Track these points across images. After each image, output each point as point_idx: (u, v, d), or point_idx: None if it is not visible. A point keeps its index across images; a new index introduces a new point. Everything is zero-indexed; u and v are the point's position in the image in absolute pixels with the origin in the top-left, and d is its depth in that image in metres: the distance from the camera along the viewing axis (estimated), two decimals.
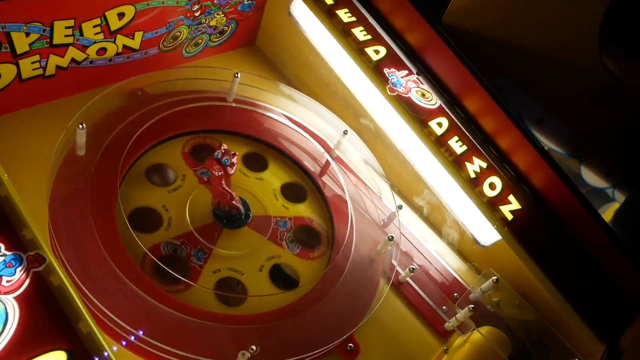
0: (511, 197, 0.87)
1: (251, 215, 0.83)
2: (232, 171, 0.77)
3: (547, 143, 1.20)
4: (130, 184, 0.80)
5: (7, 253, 0.50)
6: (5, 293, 0.48)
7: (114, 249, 0.69)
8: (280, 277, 0.80)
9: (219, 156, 0.75)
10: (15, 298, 0.48)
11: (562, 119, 1.14)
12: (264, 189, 0.89)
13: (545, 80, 1.06)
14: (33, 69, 0.76)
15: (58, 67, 0.78)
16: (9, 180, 0.56)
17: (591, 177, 1.27)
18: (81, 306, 0.50)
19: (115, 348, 0.58)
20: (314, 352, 0.70)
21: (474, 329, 0.80)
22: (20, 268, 0.49)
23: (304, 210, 0.90)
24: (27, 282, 0.49)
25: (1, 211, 0.53)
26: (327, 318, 0.74)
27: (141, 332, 0.62)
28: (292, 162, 0.94)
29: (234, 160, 0.76)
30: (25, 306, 0.48)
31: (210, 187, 0.79)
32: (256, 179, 0.90)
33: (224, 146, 0.76)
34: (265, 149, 0.94)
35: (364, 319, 0.77)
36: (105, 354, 0.48)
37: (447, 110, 0.92)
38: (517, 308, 0.86)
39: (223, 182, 0.76)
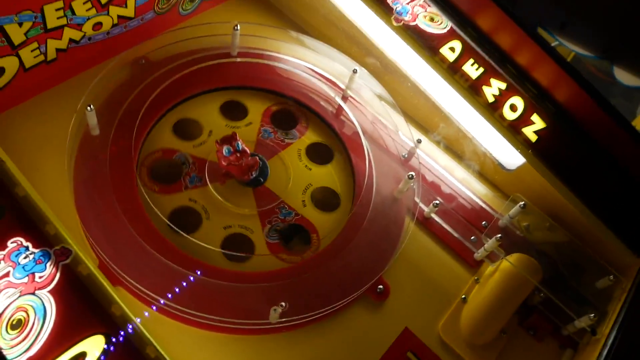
0: (534, 117, 0.83)
1: (268, 172, 0.83)
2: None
3: (575, 48, 1.12)
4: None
5: (35, 250, 0.52)
6: (40, 288, 0.50)
7: (139, 223, 0.71)
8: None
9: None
10: (50, 292, 0.50)
11: (587, 21, 1.05)
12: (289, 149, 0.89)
13: None
14: (34, 57, 0.76)
15: (58, 50, 0.78)
16: (26, 179, 0.58)
17: (624, 76, 1.19)
18: (111, 290, 0.53)
19: (146, 313, 0.61)
20: (343, 300, 0.71)
21: (502, 257, 0.80)
22: (49, 263, 0.52)
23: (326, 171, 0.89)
24: (58, 275, 0.51)
25: (23, 211, 0.55)
26: (353, 264, 0.75)
27: (170, 296, 0.63)
28: (305, 109, 0.93)
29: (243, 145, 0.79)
30: (60, 298, 0.50)
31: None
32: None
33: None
34: (280, 100, 0.93)
35: (391, 260, 0.77)
36: (130, 327, 0.50)
37: (459, 31, 0.86)
38: (548, 230, 0.85)
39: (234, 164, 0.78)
